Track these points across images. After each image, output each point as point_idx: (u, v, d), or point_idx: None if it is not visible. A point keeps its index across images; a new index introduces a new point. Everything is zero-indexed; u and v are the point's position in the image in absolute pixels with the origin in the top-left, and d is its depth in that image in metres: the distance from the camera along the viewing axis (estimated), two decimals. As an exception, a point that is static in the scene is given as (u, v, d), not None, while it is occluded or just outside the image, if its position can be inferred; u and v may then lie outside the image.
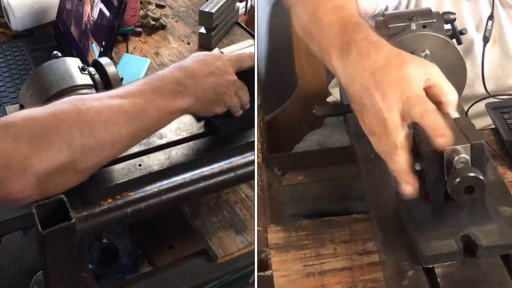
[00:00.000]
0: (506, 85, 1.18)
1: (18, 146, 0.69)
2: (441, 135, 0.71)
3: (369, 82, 0.75)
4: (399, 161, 0.75)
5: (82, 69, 0.92)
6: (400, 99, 0.74)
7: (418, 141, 0.74)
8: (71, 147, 0.72)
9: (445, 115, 0.77)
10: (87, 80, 0.91)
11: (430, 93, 0.75)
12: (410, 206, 0.79)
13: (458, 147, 0.71)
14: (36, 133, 0.71)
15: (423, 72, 0.75)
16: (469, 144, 0.71)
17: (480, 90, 1.14)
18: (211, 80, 0.87)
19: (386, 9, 1.09)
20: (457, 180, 0.69)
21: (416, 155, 0.75)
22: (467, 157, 0.71)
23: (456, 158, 0.70)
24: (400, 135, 0.74)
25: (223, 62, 0.89)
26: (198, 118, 0.97)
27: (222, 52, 0.94)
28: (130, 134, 0.78)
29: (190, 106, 0.84)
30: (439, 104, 0.76)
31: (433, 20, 0.92)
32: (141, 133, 0.81)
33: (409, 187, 0.75)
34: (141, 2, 1.57)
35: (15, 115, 0.73)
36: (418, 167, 0.74)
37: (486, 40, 1.10)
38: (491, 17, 1.10)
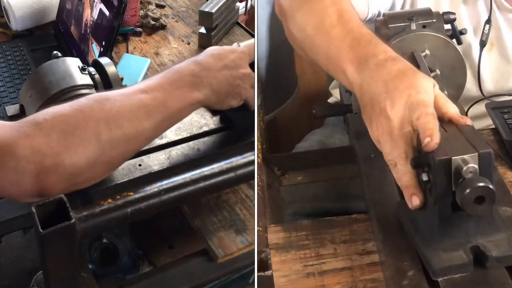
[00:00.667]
0: (505, 87, 1.18)
1: (50, 142, 0.72)
2: (429, 135, 0.71)
3: (381, 90, 0.77)
4: (405, 172, 0.75)
5: (82, 69, 0.92)
6: (405, 105, 0.74)
7: (424, 152, 0.73)
8: (100, 141, 0.75)
9: (450, 123, 0.76)
10: (87, 80, 0.91)
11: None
12: (416, 217, 0.77)
13: (466, 156, 0.70)
14: (66, 129, 0.73)
15: (433, 83, 0.77)
16: (476, 153, 0.70)
17: (480, 91, 1.15)
18: (225, 72, 0.88)
19: (379, 14, 1.09)
20: (467, 190, 0.68)
21: (423, 165, 0.73)
22: (476, 166, 0.70)
23: (465, 168, 0.69)
24: (405, 144, 0.74)
25: (237, 55, 0.91)
26: (214, 112, 0.97)
27: (239, 45, 0.95)
28: (152, 127, 0.81)
29: (207, 97, 0.86)
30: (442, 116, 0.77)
31: (433, 20, 0.92)
32: (163, 125, 0.83)
33: (414, 198, 0.75)
34: (141, 2, 1.56)
35: (45, 112, 0.75)
36: (425, 178, 0.73)
37: (483, 44, 1.11)
38: (488, 21, 1.10)
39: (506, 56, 1.16)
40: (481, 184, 0.68)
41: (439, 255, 0.73)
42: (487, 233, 0.74)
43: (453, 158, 0.70)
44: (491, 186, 0.68)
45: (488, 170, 0.70)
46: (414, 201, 0.75)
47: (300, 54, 0.99)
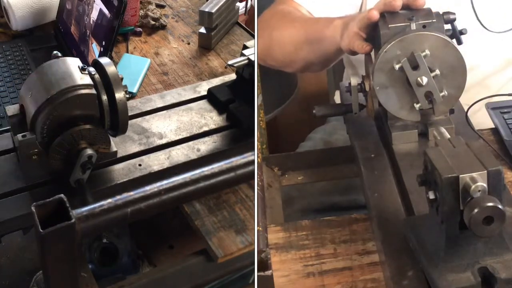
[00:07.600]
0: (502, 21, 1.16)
1: None
2: None
3: None
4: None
5: (82, 69, 0.92)
6: None
7: (431, 169, 0.71)
8: None
9: (457, 138, 0.74)
10: (87, 80, 0.91)
11: None
12: (423, 236, 0.75)
13: (474, 174, 0.67)
14: None
15: None
16: (485, 171, 0.68)
17: (480, 90, 1.14)
18: None
19: None
20: (476, 210, 0.66)
21: (429, 183, 0.72)
22: (485, 185, 0.67)
23: (473, 187, 0.67)
24: None
25: None
26: (220, 111, 0.98)
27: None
28: None
29: None
30: None
31: (433, 20, 0.92)
32: None
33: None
34: (141, 2, 1.56)
35: None
36: (431, 196, 0.71)
37: None
38: None
39: None
40: (490, 204, 0.66)
41: (445, 276, 0.70)
42: (496, 253, 0.71)
43: (460, 176, 0.68)
44: (500, 206, 0.66)
45: (497, 189, 0.68)
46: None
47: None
